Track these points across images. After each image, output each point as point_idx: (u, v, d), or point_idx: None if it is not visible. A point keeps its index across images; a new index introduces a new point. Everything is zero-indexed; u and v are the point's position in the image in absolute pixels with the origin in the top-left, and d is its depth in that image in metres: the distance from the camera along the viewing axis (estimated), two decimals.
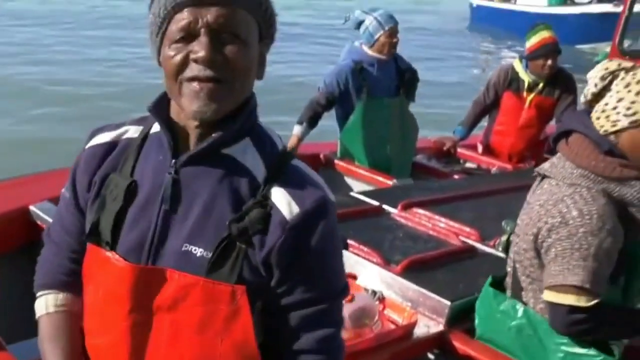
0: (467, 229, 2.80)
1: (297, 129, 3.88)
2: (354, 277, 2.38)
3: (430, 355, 2.19)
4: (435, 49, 15.85)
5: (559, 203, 1.65)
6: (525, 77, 4.16)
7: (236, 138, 1.16)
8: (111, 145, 1.24)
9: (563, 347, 1.75)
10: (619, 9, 4.79)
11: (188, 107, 1.09)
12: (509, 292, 1.95)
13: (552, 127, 4.29)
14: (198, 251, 1.13)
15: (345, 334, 1.63)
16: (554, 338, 1.77)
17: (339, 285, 1.20)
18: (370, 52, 3.82)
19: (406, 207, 2.98)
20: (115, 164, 1.22)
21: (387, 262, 2.41)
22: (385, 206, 3.02)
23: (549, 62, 4.02)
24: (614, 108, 1.64)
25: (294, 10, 19.09)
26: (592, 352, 1.72)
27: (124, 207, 1.18)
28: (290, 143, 3.85)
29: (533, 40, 4.07)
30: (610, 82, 1.66)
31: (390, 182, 3.67)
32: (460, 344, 2.08)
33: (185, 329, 1.14)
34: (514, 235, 1.94)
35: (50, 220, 1.86)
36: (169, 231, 1.15)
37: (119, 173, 1.21)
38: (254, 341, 1.15)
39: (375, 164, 3.89)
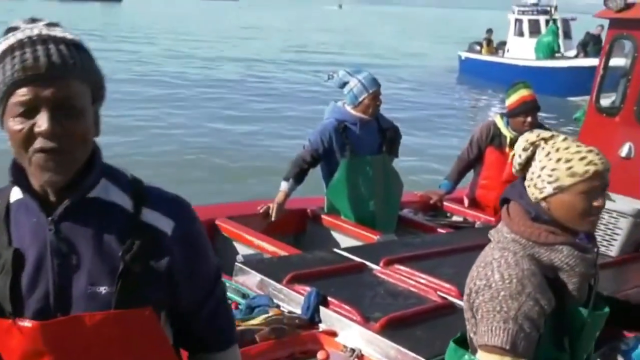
0: (447, 285, 2.85)
1: (284, 185, 3.94)
2: (334, 334, 2.42)
3: None
4: (423, 103, 16.09)
5: (487, 266, 1.72)
6: (507, 133, 4.27)
7: (94, 183, 1.26)
8: None
9: None
10: None
11: (39, 177, 1.20)
12: (470, 347, 1.99)
13: None
14: (102, 289, 1.22)
15: None
16: None
17: (216, 266, 1.40)
18: (353, 112, 3.93)
19: (388, 264, 3.03)
20: None
21: (366, 320, 2.46)
22: (367, 263, 3.07)
23: (529, 119, 4.13)
24: (539, 176, 1.74)
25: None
26: None
27: (16, 275, 1.22)
28: (278, 198, 3.91)
29: (513, 98, 4.20)
30: (534, 153, 1.76)
31: (375, 237, 3.72)
32: None
33: None
34: None
35: None
36: (70, 281, 1.23)
37: None
38: (172, 350, 1.32)
39: (360, 219, 3.96)
